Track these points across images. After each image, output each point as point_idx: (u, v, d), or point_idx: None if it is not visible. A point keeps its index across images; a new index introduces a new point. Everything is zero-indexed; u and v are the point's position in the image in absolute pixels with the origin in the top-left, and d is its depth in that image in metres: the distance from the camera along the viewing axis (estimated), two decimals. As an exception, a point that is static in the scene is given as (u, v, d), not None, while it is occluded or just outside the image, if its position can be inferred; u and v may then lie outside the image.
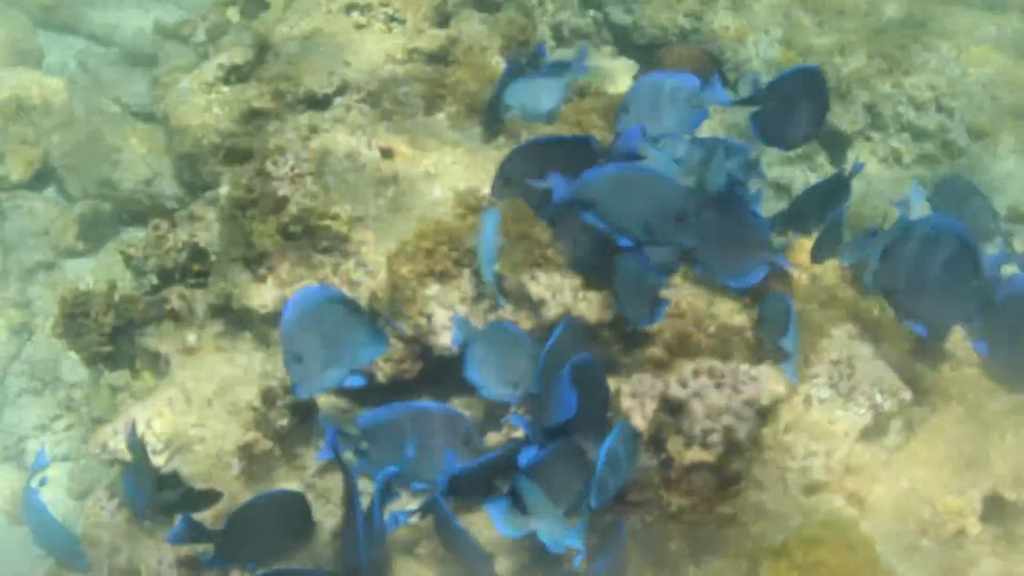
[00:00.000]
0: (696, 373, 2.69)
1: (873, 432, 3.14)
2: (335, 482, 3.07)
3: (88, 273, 4.92)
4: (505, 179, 3.09)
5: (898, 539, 2.84)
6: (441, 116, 4.04)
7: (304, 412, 3.19)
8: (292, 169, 3.40)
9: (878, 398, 3.11)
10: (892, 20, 5.82)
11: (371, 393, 3.10)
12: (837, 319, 3.22)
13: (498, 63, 4.31)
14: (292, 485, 3.08)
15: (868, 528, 2.79)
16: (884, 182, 5.05)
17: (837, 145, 5.09)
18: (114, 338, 3.56)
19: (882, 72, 5.30)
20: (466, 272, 3.13)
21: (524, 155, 3.08)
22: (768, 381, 2.69)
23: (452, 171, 3.69)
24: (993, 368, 3.27)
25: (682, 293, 3.01)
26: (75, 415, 4.73)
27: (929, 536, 2.87)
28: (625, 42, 5.46)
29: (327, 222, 3.36)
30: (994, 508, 2.93)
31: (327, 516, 3.01)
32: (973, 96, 5.30)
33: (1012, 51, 5.72)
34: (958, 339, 3.50)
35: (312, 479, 3.11)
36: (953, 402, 3.22)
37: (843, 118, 5.11)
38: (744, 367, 2.69)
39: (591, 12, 5.50)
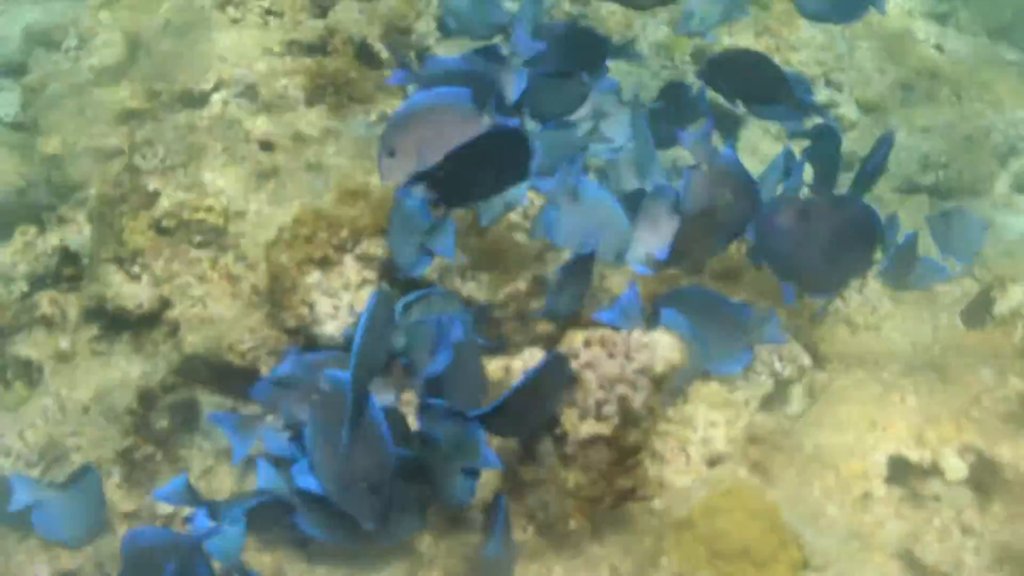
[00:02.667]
0: (588, 343, 2.60)
1: (775, 400, 3.11)
2: (222, 483, 2.95)
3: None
4: (389, 151, 2.77)
5: (803, 505, 2.79)
6: (323, 107, 3.91)
7: (186, 413, 3.04)
8: (162, 161, 3.26)
9: (777, 365, 3.08)
10: (777, -6, 5.84)
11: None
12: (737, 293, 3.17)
13: (379, 51, 4.19)
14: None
15: (773, 496, 2.73)
16: (778, 159, 5.04)
17: (729, 126, 5.06)
18: (-21, 348, 3.37)
19: (770, 49, 5.29)
20: (347, 258, 3.00)
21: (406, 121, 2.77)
22: (662, 348, 2.60)
23: (334, 162, 3.57)
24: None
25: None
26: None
27: (834, 501, 2.82)
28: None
29: (202, 215, 3.21)
30: (898, 469, 2.90)
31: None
32: (862, 70, 5.33)
33: (897, 22, 5.77)
34: (856, 304, 3.49)
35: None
36: (853, 366, 3.20)
37: (734, 98, 5.08)
38: (636, 334, 2.60)
39: (476, 1, 5.39)
